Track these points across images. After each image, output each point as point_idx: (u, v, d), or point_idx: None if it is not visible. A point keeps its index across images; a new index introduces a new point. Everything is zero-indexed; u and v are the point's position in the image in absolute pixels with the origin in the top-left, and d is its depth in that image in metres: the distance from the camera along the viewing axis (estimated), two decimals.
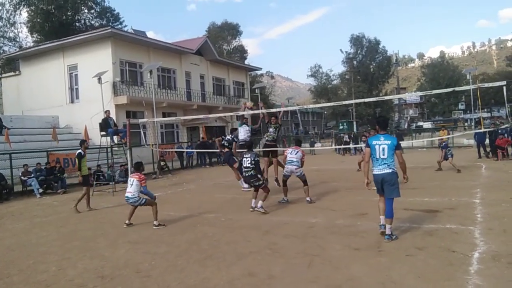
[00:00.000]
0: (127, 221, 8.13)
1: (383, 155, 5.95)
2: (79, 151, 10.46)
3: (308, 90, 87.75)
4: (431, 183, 11.49)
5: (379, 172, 6.01)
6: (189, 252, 6.00)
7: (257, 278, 4.78)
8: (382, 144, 5.98)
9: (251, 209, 8.72)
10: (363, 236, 6.31)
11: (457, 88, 11.86)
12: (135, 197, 7.95)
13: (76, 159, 10.52)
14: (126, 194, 8.05)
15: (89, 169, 11.63)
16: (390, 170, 5.95)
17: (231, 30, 57.58)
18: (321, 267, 5.03)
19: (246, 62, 51.56)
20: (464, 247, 5.39)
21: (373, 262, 5.11)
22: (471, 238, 5.86)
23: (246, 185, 10.69)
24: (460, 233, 6.15)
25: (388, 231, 5.94)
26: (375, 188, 6.22)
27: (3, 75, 32.87)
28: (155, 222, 7.85)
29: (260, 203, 8.62)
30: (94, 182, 14.64)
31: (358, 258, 5.30)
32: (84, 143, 10.95)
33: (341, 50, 68.29)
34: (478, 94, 9.92)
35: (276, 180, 11.06)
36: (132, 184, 7.94)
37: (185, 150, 23.08)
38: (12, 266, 5.86)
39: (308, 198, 9.39)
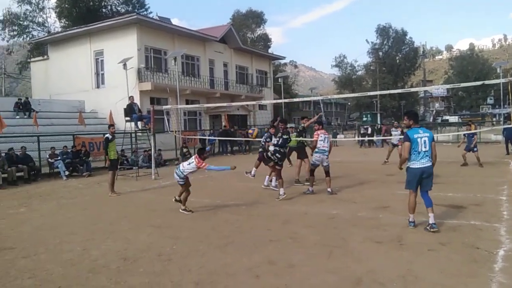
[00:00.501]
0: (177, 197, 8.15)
1: (425, 147, 5.98)
2: (107, 135, 10.57)
3: (332, 80, 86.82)
4: (456, 178, 11.27)
5: (422, 166, 6.01)
6: (210, 238, 6.07)
7: (277, 266, 4.81)
8: (423, 136, 6.00)
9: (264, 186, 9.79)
10: (385, 229, 6.25)
11: (487, 82, 11.52)
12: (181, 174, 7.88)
13: (104, 143, 10.58)
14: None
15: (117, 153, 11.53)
16: (430, 163, 6.05)
17: (255, 18, 57.27)
18: (341, 258, 5.02)
19: (269, 50, 51.27)
20: (488, 244, 5.28)
21: (395, 255, 5.06)
22: (496, 235, 5.74)
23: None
24: (484, 229, 6.03)
25: (432, 220, 5.97)
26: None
27: (32, 59, 33.66)
28: (182, 207, 7.94)
29: (273, 182, 9.21)
30: (119, 167, 14.92)
31: (380, 251, 5.26)
32: (111, 127, 11.02)
33: (367, 40, 67.08)
34: (509, 88, 9.61)
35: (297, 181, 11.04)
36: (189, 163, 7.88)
37: (207, 137, 23.23)
38: (39, 245, 6.05)
39: (329, 189, 9.34)
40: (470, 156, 13.76)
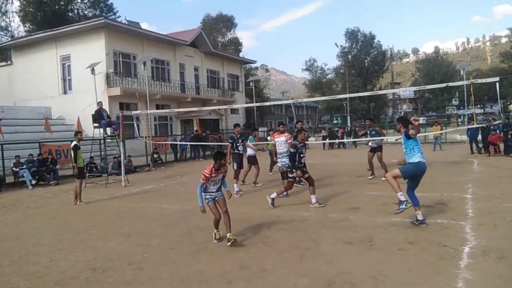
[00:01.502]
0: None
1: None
2: (75, 142, 10.23)
3: (302, 84, 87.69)
4: (424, 178, 11.54)
5: (425, 160, 6.53)
6: (181, 245, 6.00)
7: (249, 271, 4.79)
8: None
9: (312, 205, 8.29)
10: (356, 230, 6.34)
11: (450, 84, 11.91)
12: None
13: (72, 151, 10.21)
14: None
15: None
16: None
17: (226, 22, 57.31)
18: (313, 261, 5.05)
19: (240, 54, 51.39)
20: (455, 242, 5.44)
21: (366, 256, 5.14)
22: (462, 233, 5.91)
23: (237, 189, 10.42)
24: (451, 227, 6.20)
25: (421, 217, 6.39)
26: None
27: None
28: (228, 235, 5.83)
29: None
30: (87, 174, 14.58)
31: (351, 252, 5.33)
32: (78, 134, 10.70)
33: (336, 44, 68.29)
34: (471, 90, 9.97)
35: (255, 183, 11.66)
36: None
37: (178, 142, 23.00)
38: (4, 257, 5.82)
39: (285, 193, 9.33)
40: (436, 155, 14.14)
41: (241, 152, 10.87)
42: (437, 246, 5.32)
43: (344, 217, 7.23)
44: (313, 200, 8.32)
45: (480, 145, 18.32)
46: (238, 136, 10.91)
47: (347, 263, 4.91)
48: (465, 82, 11.39)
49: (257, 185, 11.57)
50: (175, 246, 5.96)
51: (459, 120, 58.00)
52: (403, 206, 6.44)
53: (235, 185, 10.22)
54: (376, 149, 11.94)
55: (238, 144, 10.81)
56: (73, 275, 4.94)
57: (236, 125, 11.23)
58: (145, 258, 5.48)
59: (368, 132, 12.22)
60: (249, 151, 11.71)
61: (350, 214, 7.46)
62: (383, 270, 4.57)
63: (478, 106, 66.38)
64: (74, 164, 10.26)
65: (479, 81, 11.73)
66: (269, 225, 6.93)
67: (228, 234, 5.80)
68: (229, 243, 5.68)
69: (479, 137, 18.63)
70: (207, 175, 5.93)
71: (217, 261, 5.17)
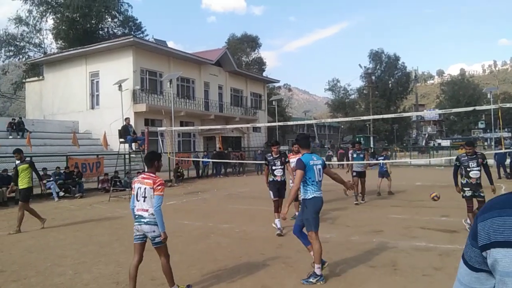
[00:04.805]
0: None
1: (320, 176, 5.31)
2: (28, 160, 9.41)
3: (325, 103, 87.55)
4: (448, 202, 11.31)
5: (320, 195, 5.30)
6: (202, 262, 6.02)
7: None
8: (317, 164, 5.29)
9: None
10: (378, 253, 6.24)
11: (478, 107, 11.74)
12: (151, 218, 4.47)
13: (19, 169, 9.10)
14: (137, 213, 4.56)
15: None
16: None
17: (250, 42, 58.01)
18: (335, 283, 4.99)
19: (264, 74, 51.82)
20: None
21: (389, 280, 5.05)
22: None
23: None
24: None
25: (319, 271, 5.04)
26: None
27: (27, 79, 33.74)
28: None
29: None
30: (111, 188, 14.85)
31: (373, 275, 5.24)
32: (19, 152, 9.30)
33: (360, 65, 67.96)
34: (499, 113, 9.78)
35: None
36: (144, 195, 4.47)
37: (201, 159, 23.21)
38: (30, 268, 5.96)
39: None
40: None
41: (278, 178, 8.27)
42: None
43: (366, 240, 7.13)
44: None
45: (508, 170, 17.84)
46: (277, 156, 8.36)
47: (370, 287, 4.83)
48: (493, 106, 11.20)
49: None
50: (196, 263, 5.98)
51: (486, 143, 56.66)
52: (312, 279, 4.96)
53: (276, 220, 8.04)
54: (362, 174, 11.78)
55: (275, 168, 8.29)
56: None
57: (275, 143, 8.61)
58: None
59: (355, 155, 11.91)
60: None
61: (373, 237, 7.35)
62: None
63: (506, 129, 64.81)
64: (15, 186, 9.15)
65: (508, 105, 11.51)
66: (290, 245, 6.87)
67: None
68: None
69: (507, 161, 18.17)
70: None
71: (238, 280, 5.16)
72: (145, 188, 4.43)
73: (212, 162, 22.67)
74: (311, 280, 4.97)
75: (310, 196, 5.16)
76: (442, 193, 13.20)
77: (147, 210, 4.43)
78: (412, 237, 7.29)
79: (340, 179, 5.95)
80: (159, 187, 4.40)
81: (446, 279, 5.00)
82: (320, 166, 5.29)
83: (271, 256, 6.23)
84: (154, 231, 4.46)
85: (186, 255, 6.47)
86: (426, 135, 70.92)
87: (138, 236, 4.61)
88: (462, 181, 7.52)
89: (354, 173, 11.75)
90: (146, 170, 4.73)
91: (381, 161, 13.85)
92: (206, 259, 6.17)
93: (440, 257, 5.97)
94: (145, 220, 4.45)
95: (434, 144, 54.39)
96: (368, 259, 5.97)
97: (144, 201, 4.44)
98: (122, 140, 14.86)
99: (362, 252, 6.38)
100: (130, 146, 15.12)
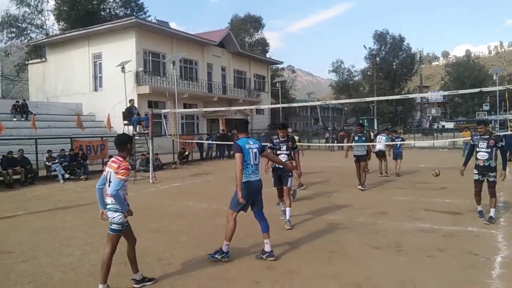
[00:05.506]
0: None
1: (256, 160, 5.35)
2: None
3: (329, 85, 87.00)
4: (453, 184, 11.32)
5: (256, 178, 5.34)
6: (208, 243, 6.07)
7: (276, 272, 4.83)
8: (253, 148, 5.34)
9: None
10: (383, 235, 6.29)
11: (484, 89, 11.61)
12: (112, 205, 4.47)
13: None
14: (106, 199, 4.58)
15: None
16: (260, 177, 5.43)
17: (253, 23, 57.33)
18: (340, 264, 5.04)
19: (267, 55, 51.41)
20: (486, 251, 5.33)
21: (393, 261, 5.10)
22: (493, 241, 5.79)
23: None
24: (482, 236, 6.08)
25: (269, 248, 5.28)
26: None
27: (30, 61, 33.62)
28: (135, 276, 4.65)
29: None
30: None
31: (378, 256, 5.29)
32: None
33: (364, 46, 67.11)
34: (506, 95, 9.70)
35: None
36: (110, 180, 4.39)
37: (205, 141, 23.23)
38: (38, 248, 6.04)
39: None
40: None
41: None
42: (468, 254, 5.23)
43: (371, 222, 7.18)
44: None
45: None
46: (283, 140, 7.61)
47: (375, 267, 4.88)
48: (499, 88, 11.08)
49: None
50: (202, 244, 6.04)
51: (490, 126, 56.42)
52: (218, 256, 5.22)
53: (287, 209, 7.09)
54: (361, 158, 10.79)
55: (280, 152, 7.57)
56: None
57: (283, 126, 7.81)
58: (173, 254, 5.60)
59: (357, 138, 10.93)
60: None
61: (377, 219, 7.40)
62: (411, 276, 4.53)
63: (511, 112, 64.33)
64: None
65: None
66: (295, 226, 6.93)
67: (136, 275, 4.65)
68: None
69: None
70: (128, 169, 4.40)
71: (244, 261, 5.22)
72: (111, 173, 4.34)
73: (216, 144, 22.68)
74: (216, 256, 5.24)
75: (245, 180, 5.21)
76: (446, 175, 13.23)
77: (109, 196, 4.36)
78: (417, 218, 7.32)
79: (280, 161, 6.52)
80: (122, 171, 4.28)
81: (450, 260, 5.05)
82: (256, 150, 5.35)
83: (276, 237, 6.27)
84: (114, 217, 4.41)
85: (192, 236, 6.54)
86: (430, 117, 70.60)
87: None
88: (475, 162, 7.25)
89: (354, 158, 11.02)
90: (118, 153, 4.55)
91: (398, 143, 13.80)
92: (212, 241, 6.21)
93: (444, 238, 6.01)
94: (108, 207, 4.44)
95: (438, 127, 54.14)
96: (373, 240, 6.01)
97: (109, 185, 4.35)
98: (126, 122, 14.86)
99: (367, 233, 6.43)
100: (135, 127, 15.14)
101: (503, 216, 7.35)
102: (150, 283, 4.61)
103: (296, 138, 10.16)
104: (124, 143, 4.55)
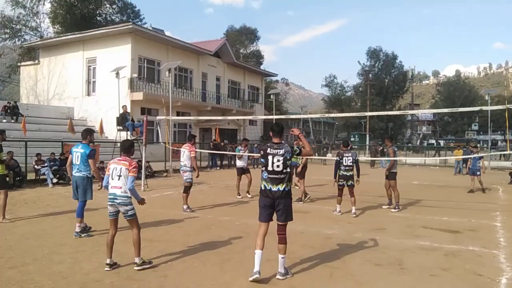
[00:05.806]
0: (108, 261, 5.21)
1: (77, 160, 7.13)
2: None
3: (321, 99, 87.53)
4: (447, 202, 11.29)
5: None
6: (205, 255, 5.89)
7: (277, 287, 4.66)
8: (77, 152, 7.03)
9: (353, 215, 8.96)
10: (383, 251, 6.15)
11: (484, 108, 11.63)
12: (125, 196, 5.16)
13: None
14: (111, 190, 5.18)
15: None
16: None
17: (249, 35, 57.64)
18: (343, 281, 4.89)
19: (261, 67, 51.56)
20: (490, 271, 5.22)
21: (397, 279, 4.96)
22: (496, 262, 5.69)
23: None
24: (484, 256, 5.98)
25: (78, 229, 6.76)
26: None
27: (22, 63, 33.20)
28: (136, 260, 5.20)
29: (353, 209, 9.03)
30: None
31: (381, 274, 5.15)
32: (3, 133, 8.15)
33: (359, 62, 68.00)
34: (507, 115, 9.73)
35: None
36: (119, 174, 5.12)
37: (198, 150, 23.00)
38: (26, 255, 5.79)
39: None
40: (459, 179, 13.83)
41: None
42: (472, 274, 5.12)
43: (369, 237, 7.04)
44: None
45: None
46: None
47: (379, 285, 4.74)
48: (500, 107, 11.10)
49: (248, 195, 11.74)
50: (199, 255, 5.85)
51: (479, 145, 57.03)
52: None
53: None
54: (389, 176, 10.00)
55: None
56: (97, 278, 4.86)
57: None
58: (169, 265, 5.39)
59: (386, 152, 10.92)
60: (238, 163, 12.18)
61: (376, 235, 7.26)
62: None
63: (499, 132, 65.14)
64: None
65: None
66: (294, 240, 6.74)
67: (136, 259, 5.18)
68: (137, 268, 5.12)
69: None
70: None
71: (243, 274, 5.04)
72: (121, 168, 5.12)
73: (208, 153, 22.50)
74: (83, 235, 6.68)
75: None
76: (440, 193, 13.23)
77: (120, 188, 5.11)
78: (416, 236, 7.22)
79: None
80: (134, 169, 5.17)
81: (455, 279, 4.94)
82: (79, 154, 6.96)
83: (274, 250, 6.09)
84: (127, 210, 5.19)
85: (188, 246, 6.34)
86: (421, 135, 71.15)
87: (112, 213, 5.25)
88: None
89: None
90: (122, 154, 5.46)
91: (476, 155, 13.44)
92: (209, 252, 6.03)
93: (446, 257, 5.90)
94: (117, 201, 5.14)
95: (436, 143, 54.22)
96: (374, 256, 5.88)
97: (118, 179, 5.12)
98: (120, 127, 14.63)
99: (366, 249, 6.29)
100: (131, 132, 14.92)
101: (503, 236, 7.26)
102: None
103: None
104: (130, 147, 5.49)
